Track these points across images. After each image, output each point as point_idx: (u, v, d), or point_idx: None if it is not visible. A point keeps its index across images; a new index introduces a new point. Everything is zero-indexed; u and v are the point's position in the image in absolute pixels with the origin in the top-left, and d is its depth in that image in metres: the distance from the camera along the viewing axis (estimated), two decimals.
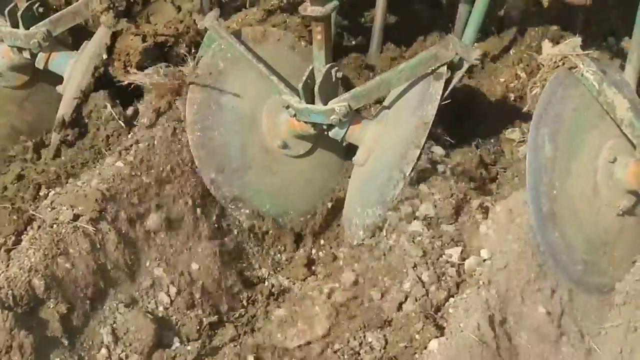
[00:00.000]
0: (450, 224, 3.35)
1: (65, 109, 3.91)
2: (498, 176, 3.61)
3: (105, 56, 3.96)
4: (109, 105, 3.85)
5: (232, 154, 3.78)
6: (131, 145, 3.66)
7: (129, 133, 3.81)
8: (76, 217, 3.30)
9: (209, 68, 3.77)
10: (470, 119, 3.97)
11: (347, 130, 3.65)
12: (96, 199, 3.36)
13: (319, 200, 3.95)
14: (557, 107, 3.23)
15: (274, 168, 3.88)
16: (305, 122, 3.69)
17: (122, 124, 3.83)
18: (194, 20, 4.17)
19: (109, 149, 3.79)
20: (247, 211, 3.78)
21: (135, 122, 3.85)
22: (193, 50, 3.89)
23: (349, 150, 3.88)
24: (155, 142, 3.66)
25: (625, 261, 3.42)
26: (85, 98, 3.92)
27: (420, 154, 3.36)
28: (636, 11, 3.63)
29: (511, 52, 4.22)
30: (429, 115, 3.37)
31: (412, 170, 3.36)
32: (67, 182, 3.64)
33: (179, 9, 4.54)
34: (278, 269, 3.81)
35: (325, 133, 3.71)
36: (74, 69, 3.99)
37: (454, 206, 3.36)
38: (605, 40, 4.48)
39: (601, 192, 3.31)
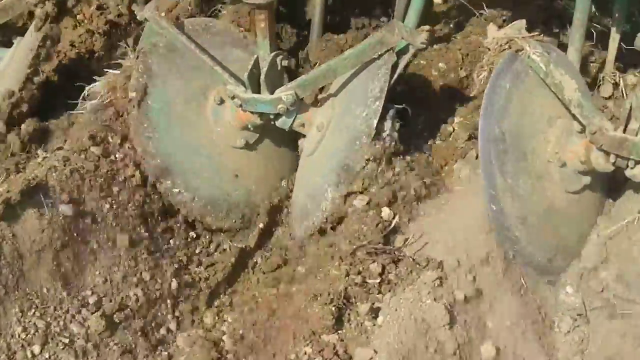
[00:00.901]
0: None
1: None
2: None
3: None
4: None
5: (178, 148, 3.73)
6: None
7: None
8: None
9: (151, 59, 3.71)
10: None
11: (294, 119, 3.63)
12: None
13: (265, 192, 3.90)
14: (505, 93, 3.26)
15: (219, 159, 3.83)
16: (252, 112, 3.66)
17: None
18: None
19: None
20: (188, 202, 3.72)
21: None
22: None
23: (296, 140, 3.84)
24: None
25: (581, 240, 3.49)
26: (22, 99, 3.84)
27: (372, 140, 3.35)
28: None
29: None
30: (377, 101, 3.36)
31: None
32: None
33: None
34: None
35: (272, 123, 3.67)
36: (7, 66, 3.89)
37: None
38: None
39: (554, 177, 3.36)
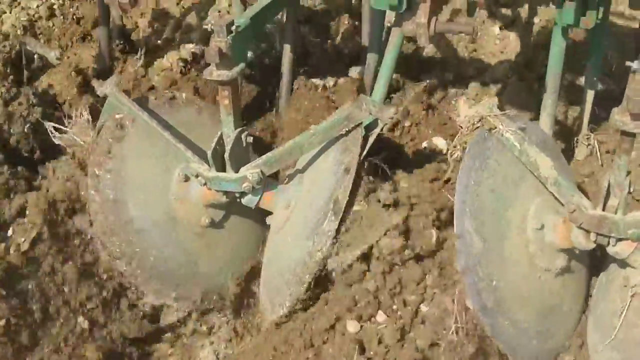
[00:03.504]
0: None
1: None
2: None
3: None
4: None
5: (137, 228, 3.57)
6: None
7: None
8: None
9: (111, 136, 3.58)
10: None
11: (260, 197, 3.50)
12: None
13: (231, 271, 3.75)
14: (478, 175, 3.15)
15: (180, 238, 3.68)
16: (217, 191, 3.52)
17: None
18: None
19: None
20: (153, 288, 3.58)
21: None
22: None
23: (264, 216, 3.70)
24: None
25: (574, 315, 3.39)
26: None
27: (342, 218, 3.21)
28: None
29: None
30: (348, 177, 3.23)
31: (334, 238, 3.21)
32: None
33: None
34: None
35: (238, 200, 3.54)
36: None
37: None
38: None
39: (537, 261, 3.24)
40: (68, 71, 4.34)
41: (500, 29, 4.61)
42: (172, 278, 3.62)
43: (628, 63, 2.90)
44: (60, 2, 4.87)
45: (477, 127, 3.21)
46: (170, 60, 4.28)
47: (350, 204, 3.22)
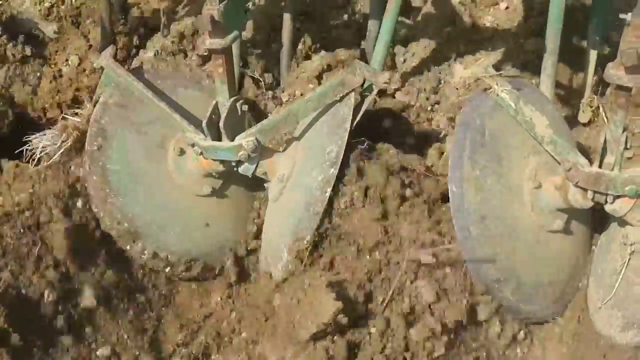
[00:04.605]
0: None
1: None
2: None
3: None
4: None
5: (140, 197, 3.57)
6: None
7: None
8: None
9: (109, 107, 3.59)
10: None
11: (257, 165, 3.49)
12: None
13: (231, 239, 3.73)
14: (474, 134, 3.13)
15: (187, 210, 3.67)
16: (213, 160, 3.52)
17: None
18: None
19: None
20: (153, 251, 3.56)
21: None
22: None
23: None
24: None
25: (575, 275, 3.37)
26: None
27: (334, 185, 3.20)
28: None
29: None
30: (340, 144, 3.22)
31: (326, 203, 3.19)
32: None
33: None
34: None
35: (235, 169, 3.53)
36: None
37: None
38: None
39: (536, 221, 3.21)
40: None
41: None
42: (184, 253, 3.62)
43: (621, 15, 2.84)
44: None
45: (472, 88, 3.19)
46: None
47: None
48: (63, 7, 4.52)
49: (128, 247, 3.50)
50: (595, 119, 3.98)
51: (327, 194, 3.19)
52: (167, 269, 3.57)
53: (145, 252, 3.52)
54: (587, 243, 3.42)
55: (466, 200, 3.09)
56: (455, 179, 3.10)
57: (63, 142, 3.58)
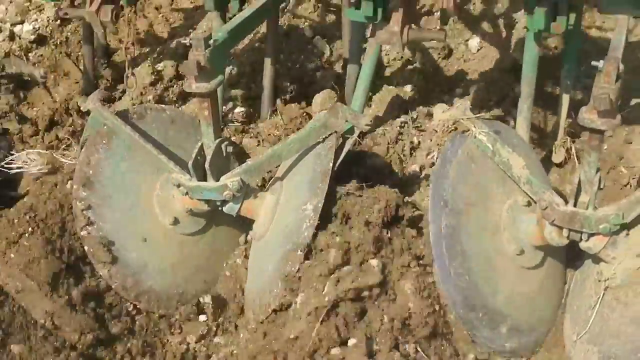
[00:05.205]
0: None
1: None
2: None
3: None
4: None
5: (122, 237, 3.64)
6: None
7: None
8: None
9: (95, 150, 3.65)
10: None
11: (241, 205, 3.56)
12: None
13: (216, 277, 3.82)
14: (453, 175, 3.24)
15: (167, 246, 3.74)
16: (199, 199, 3.59)
17: None
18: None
19: None
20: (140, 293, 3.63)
21: None
22: None
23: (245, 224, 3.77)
24: None
25: (550, 311, 3.46)
26: None
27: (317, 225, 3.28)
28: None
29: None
30: (322, 185, 3.30)
31: (309, 242, 3.27)
32: None
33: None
34: None
35: (220, 209, 3.60)
36: None
37: None
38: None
39: (512, 259, 3.32)
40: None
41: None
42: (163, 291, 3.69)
43: (594, 63, 2.98)
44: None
45: (451, 131, 3.29)
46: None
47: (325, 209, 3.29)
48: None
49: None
50: (568, 159, 4.11)
51: (310, 235, 3.26)
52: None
53: (125, 286, 3.60)
54: (562, 279, 3.52)
55: (445, 238, 3.18)
56: (434, 217, 3.19)
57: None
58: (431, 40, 3.92)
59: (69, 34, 4.93)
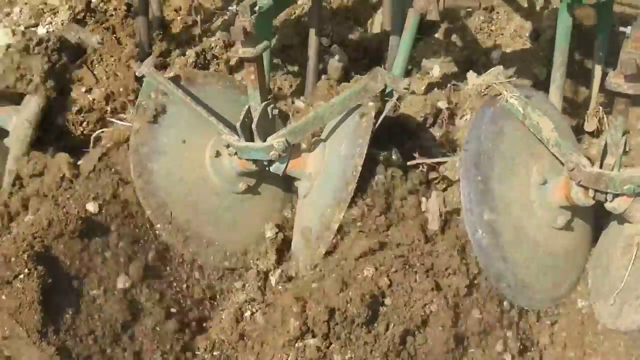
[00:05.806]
0: None
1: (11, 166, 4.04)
2: None
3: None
4: None
5: (178, 198, 3.88)
6: None
7: None
8: None
9: (150, 113, 3.88)
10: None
11: (287, 165, 3.77)
12: None
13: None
14: (485, 136, 3.41)
15: (220, 205, 3.98)
16: (247, 159, 3.81)
17: None
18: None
19: None
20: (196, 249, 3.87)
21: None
22: None
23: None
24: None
25: (576, 270, 3.64)
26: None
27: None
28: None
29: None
30: (362, 146, 3.48)
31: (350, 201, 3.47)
32: None
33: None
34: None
35: (267, 168, 3.82)
36: (16, 126, 4.09)
37: None
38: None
39: (541, 218, 3.48)
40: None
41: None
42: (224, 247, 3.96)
43: (621, 28, 3.13)
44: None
45: (484, 95, 3.46)
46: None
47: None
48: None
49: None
50: (601, 129, 4.25)
51: (351, 191, 3.46)
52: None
53: (188, 250, 3.87)
54: (588, 238, 3.69)
55: (475, 203, 3.38)
56: (465, 185, 3.38)
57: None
58: (467, 8, 4.06)
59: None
